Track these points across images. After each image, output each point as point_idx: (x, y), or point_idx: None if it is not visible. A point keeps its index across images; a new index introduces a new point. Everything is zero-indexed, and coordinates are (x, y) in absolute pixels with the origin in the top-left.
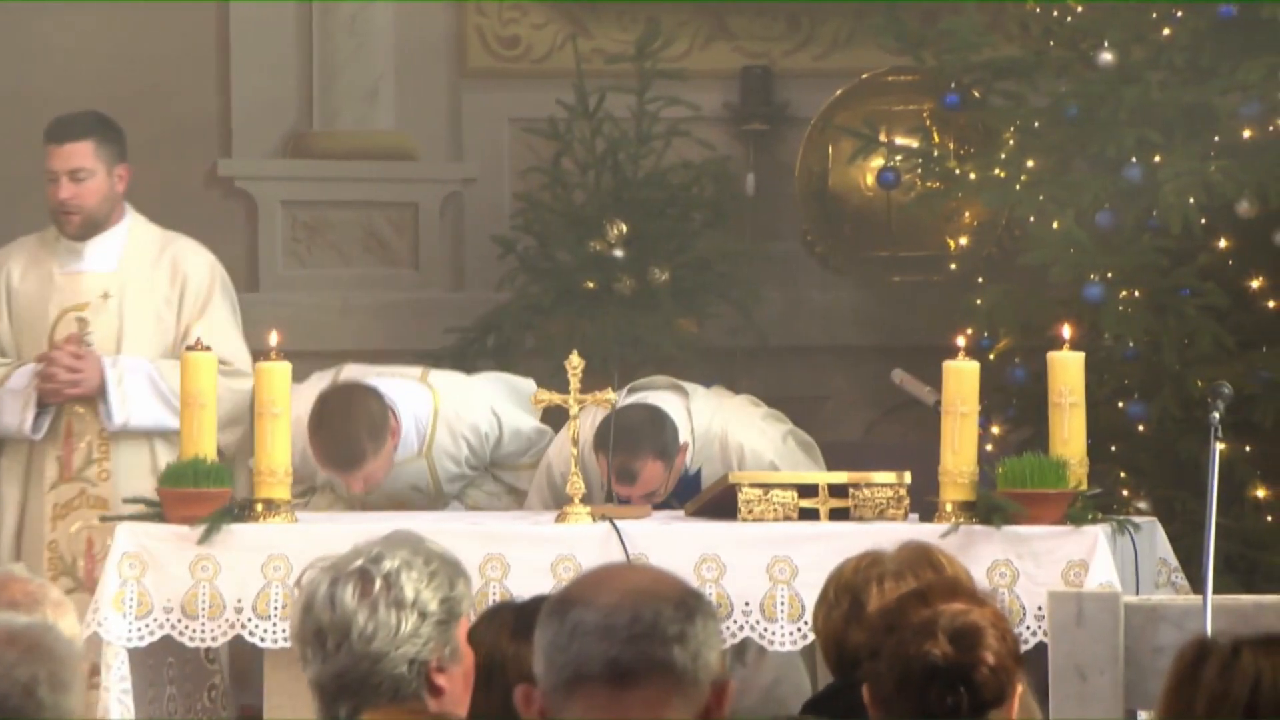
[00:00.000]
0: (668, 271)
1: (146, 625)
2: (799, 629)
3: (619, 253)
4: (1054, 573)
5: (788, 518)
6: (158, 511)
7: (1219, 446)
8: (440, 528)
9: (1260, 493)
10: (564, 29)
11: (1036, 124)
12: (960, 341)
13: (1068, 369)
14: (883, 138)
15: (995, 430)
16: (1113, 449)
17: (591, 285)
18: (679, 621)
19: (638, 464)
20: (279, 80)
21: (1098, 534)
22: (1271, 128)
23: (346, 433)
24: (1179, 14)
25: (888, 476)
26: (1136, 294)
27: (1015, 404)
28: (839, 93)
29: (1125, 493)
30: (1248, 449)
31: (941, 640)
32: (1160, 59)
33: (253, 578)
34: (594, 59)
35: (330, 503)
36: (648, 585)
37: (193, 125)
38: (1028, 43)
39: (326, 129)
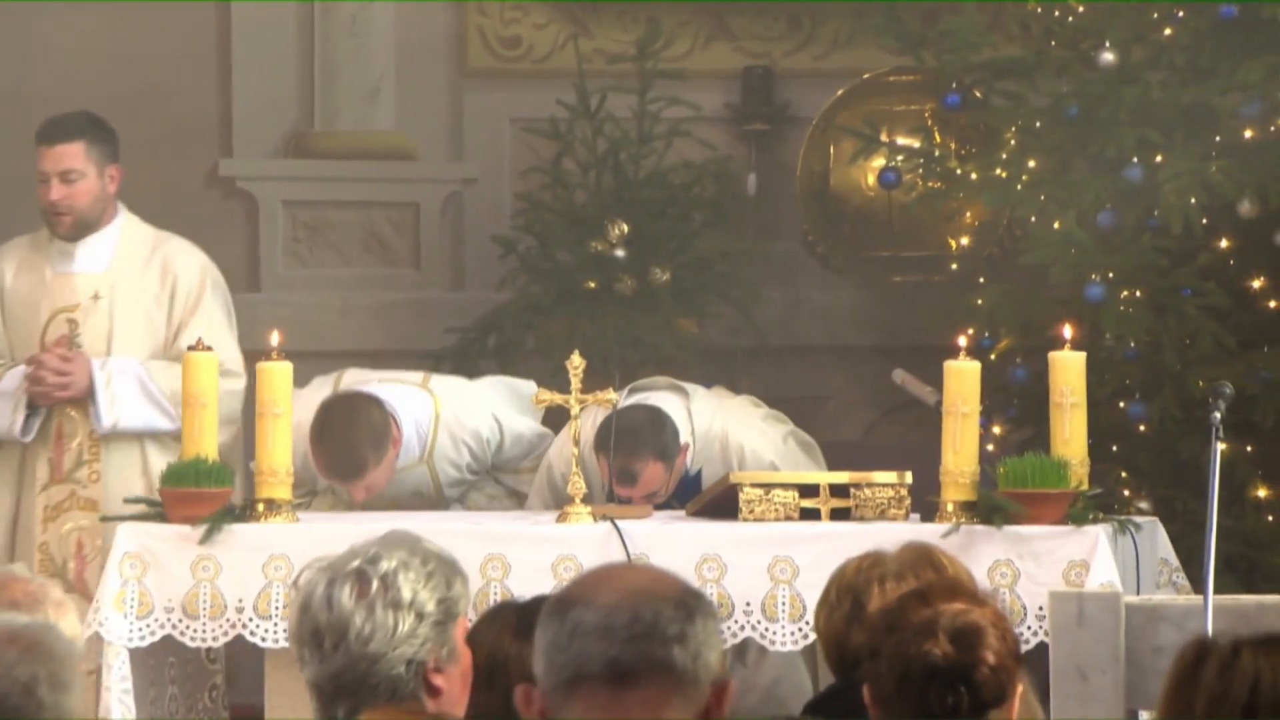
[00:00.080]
0: (668, 272)
1: (147, 625)
2: (800, 629)
3: (620, 253)
4: (1055, 573)
5: (789, 518)
6: (159, 511)
7: (1220, 446)
8: (441, 528)
9: (1261, 493)
10: (565, 29)
11: (1037, 124)
12: (961, 341)
13: (1069, 369)
14: (884, 138)
15: (996, 430)
16: (1114, 449)
17: (592, 285)
18: (679, 621)
19: (638, 465)
20: (280, 80)
21: (1099, 534)
22: (1272, 128)
23: (348, 443)
24: (1180, 14)
25: (889, 476)
26: (1137, 294)
27: (1016, 404)
28: (840, 93)
29: (1126, 493)
30: (1249, 449)
31: (942, 640)
32: (1161, 59)
33: (254, 578)
34: (595, 59)
35: (331, 505)
36: (648, 585)
37: (193, 125)
38: (1028, 43)
39: (327, 129)
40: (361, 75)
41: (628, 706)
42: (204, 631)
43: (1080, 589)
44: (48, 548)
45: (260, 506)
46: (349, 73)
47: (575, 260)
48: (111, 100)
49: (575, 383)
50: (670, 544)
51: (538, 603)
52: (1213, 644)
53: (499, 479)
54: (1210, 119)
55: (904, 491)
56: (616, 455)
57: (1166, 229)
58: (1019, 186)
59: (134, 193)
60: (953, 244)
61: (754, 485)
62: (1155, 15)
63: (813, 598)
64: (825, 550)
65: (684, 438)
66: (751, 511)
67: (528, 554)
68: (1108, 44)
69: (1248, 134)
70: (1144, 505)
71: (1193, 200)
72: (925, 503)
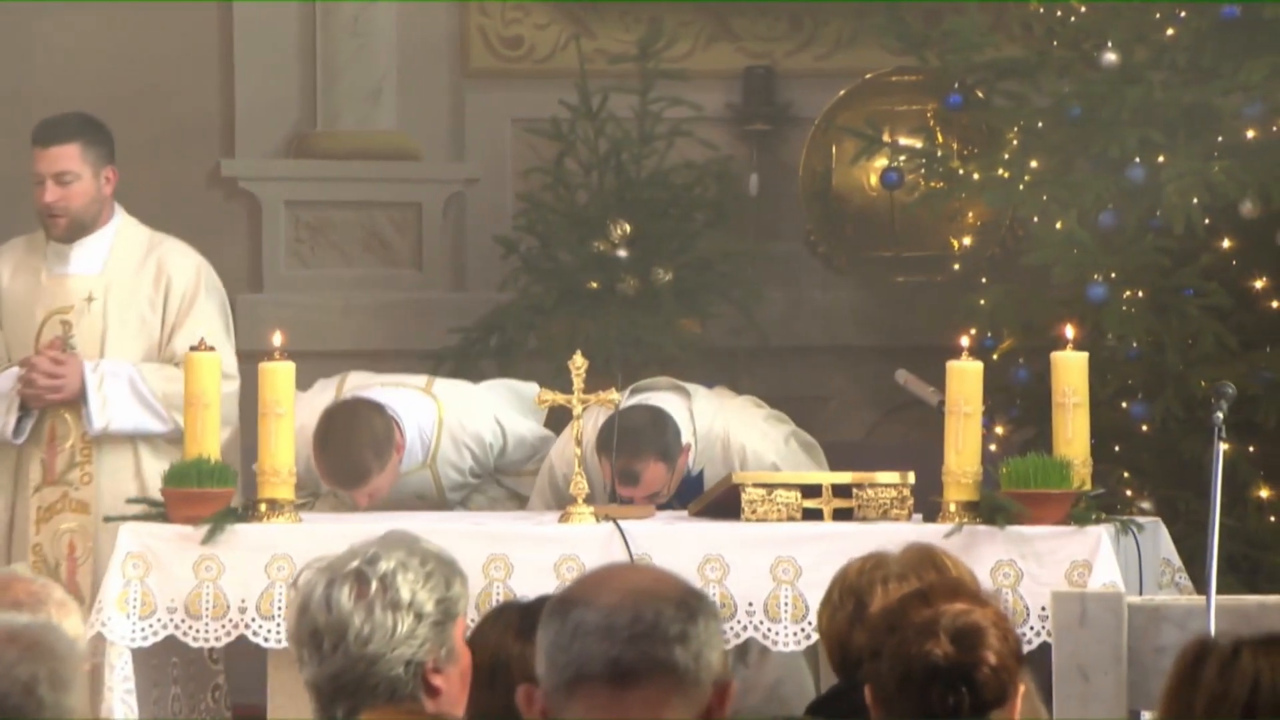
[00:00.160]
0: (670, 272)
1: (150, 625)
2: (802, 629)
3: (622, 253)
4: (1057, 573)
5: (791, 518)
6: (161, 512)
7: (1222, 447)
8: (444, 528)
9: (1263, 493)
10: (567, 29)
11: (1039, 124)
12: (964, 341)
13: (1071, 369)
14: (886, 138)
15: (999, 430)
16: (1116, 449)
17: (594, 285)
18: (680, 621)
19: (640, 465)
20: (282, 80)
21: (1101, 534)
22: (1275, 128)
23: (351, 451)
24: (1182, 14)
25: (891, 477)
26: (1139, 294)
27: (1018, 404)
28: (842, 93)
29: (1129, 493)
30: (1251, 449)
31: (943, 640)
32: (1163, 59)
33: (256, 578)
34: (597, 59)
35: (334, 507)
36: (649, 585)
37: (195, 125)
38: (1031, 43)
39: (329, 129)
40: (363, 75)
41: (629, 706)
42: (206, 631)
43: (1083, 589)
44: (41, 549)
45: (262, 506)
46: (351, 73)
47: (577, 260)
48: (113, 100)
49: (577, 383)
50: (673, 544)
51: (540, 603)
52: (1213, 644)
53: (501, 481)
54: (1212, 119)
55: (906, 492)
56: (618, 456)
57: (1169, 229)
58: (1021, 187)
59: (136, 193)
60: (955, 244)
61: (756, 485)
62: (1157, 15)
63: (815, 598)
64: (828, 550)
65: (686, 438)
66: (754, 512)
67: (530, 554)
68: (1110, 44)
69: (1250, 134)
70: (1146, 505)
71: (1195, 200)
72: (928, 503)
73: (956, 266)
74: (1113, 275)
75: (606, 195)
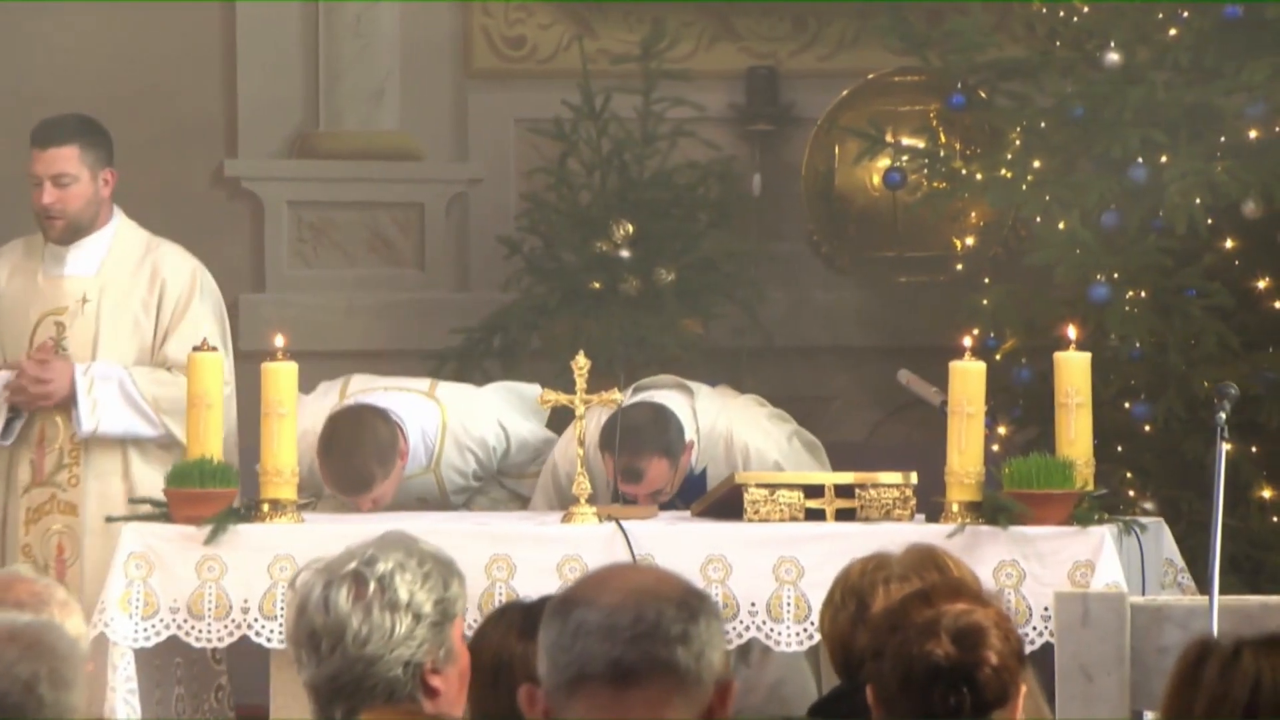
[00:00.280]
0: (673, 272)
1: (153, 626)
2: (805, 629)
3: (625, 253)
4: (1060, 573)
5: (794, 518)
6: (164, 512)
7: (1225, 447)
8: (447, 528)
9: (1266, 493)
10: (569, 29)
11: (1042, 124)
12: (966, 342)
13: (1074, 369)
14: (888, 138)
15: (1001, 431)
16: (1119, 449)
17: (597, 286)
18: (682, 621)
19: (643, 463)
20: (284, 80)
21: (1104, 534)
22: (1277, 128)
23: (355, 458)
24: (1184, 14)
25: (894, 477)
26: (1142, 294)
27: (1021, 404)
28: (845, 93)
29: (1131, 493)
30: (1253, 450)
31: (944, 640)
32: (1166, 59)
33: (259, 578)
34: (599, 59)
35: (336, 508)
36: (651, 585)
37: (198, 126)
38: (1033, 43)
39: (332, 129)
40: (366, 75)
41: (630, 706)
42: (209, 632)
43: (1085, 589)
44: (30, 550)
45: (265, 507)
46: (354, 73)
47: (580, 260)
48: (116, 100)
49: (580, 383)
50: (675, 544)
51: (543, 603)
52: (1214, 644)
53: (503, 483)
54: (1215, 119)
55: (909, 492)
56: (621, 453)
57: (1171, 229)
58: (1024, 187)
59: (138, 194)
60: (957, 244)
61: (759, 486)
62: (1160, 16)
63: (818, 598)
64: (830, 551)
65: (689, 436)
66: (756, 512)
67: (533, 554)
68: (1112, 44)
69: (1252, 134)
70: (1149, 506)
71: (1197, 201)
72: (930, 503)
73: (959, 266)
74: (1115, 275)
75: (609, 195)
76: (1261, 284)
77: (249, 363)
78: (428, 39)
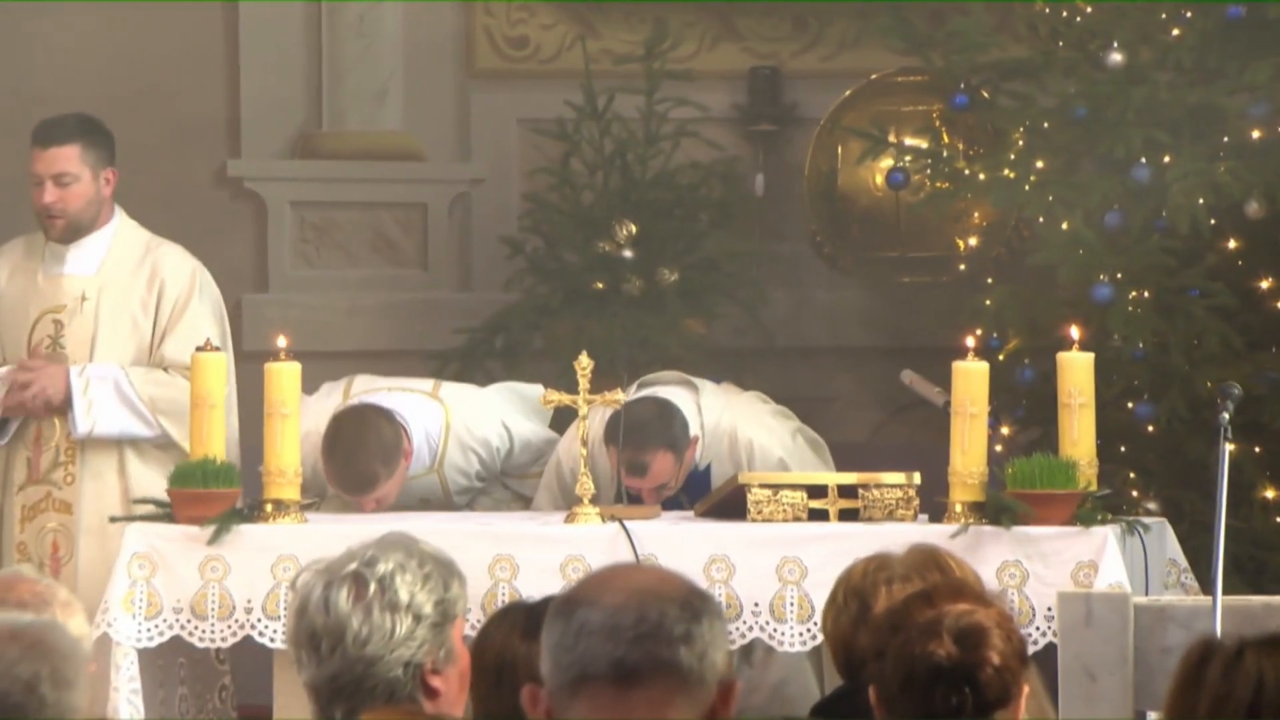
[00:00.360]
0: (676, 272)
1: (156, 626)
2: (808, 630)
3: (627, 253)
4: (1063, 573)
5: (797, 518)
6: (167, 512)
7: (1228, 447)
8: (450, 528)
9: (1269, 494)
10: (572, 29)
11: (1045, 124)
12: (969, 342)
13: (1077, 370)
14: (891, 138)
15: (1004, 431)
16: (1122, 450)
17: (599, 286)
18: (685, 622)
19: (648, 456)
20: (287, 81)
21: (1107, 535)
22: None
23: (359, 458)
24: (1187, 14)
25: (897, 477)
26: (1145, 295)
27: (1024, 405)
28: (847, 93)
29: (1134, 493)
30: (1256, 450)
31: (946, 640)
32: (1168, 59)
33: (262, 578)
34: (602, 60)
35: (339, 508)
36: (653, 585)
37: (201, 126)
38: (1036, 43)
39: (335, 129)
40: (369, 76)
41: (633, 707)
42: (212, 632)
43: (1088, 590)
44: (25, 548)
45: (268, 507)
46: (356, 73)
47: (582, 261)
48: (118, 101)
49: (583, 383)
50: (678, 545)
51: (547, 603)
52: (1217, 645)
53: (506, 484)
54: (1218, 119)
55: (912, 492)
56: (626, 446)
57: (1174, 229)
58: (1026, 187)
59: (141, 194)
60: (960, 244)
61: (762, 486)
62: (1163, 16)
63: (821, 598)
64: (834, 551)
65: (693, 431)
66: (760, 512)
67: (536, 555)
68: (1115, 44)
69: (1255, 134)
70: (1152, 506)
71: (1200, 201)
72: (933, 503)
73: (962, 267)
74: (1118, 276)
75: (612, 196)
76: (1264, 284)
77: (252, 363)
78: (430, 39)
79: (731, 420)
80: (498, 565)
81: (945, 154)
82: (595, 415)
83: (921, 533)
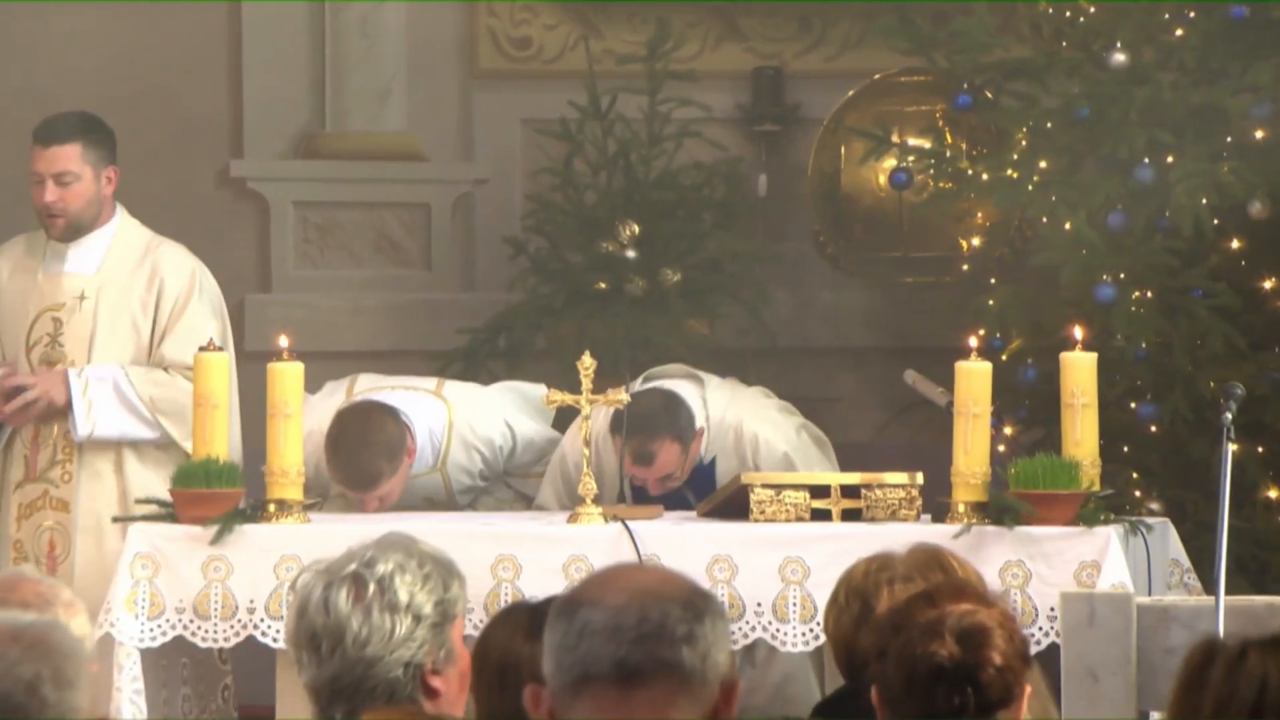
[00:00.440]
0: (679, 272)
1: (159, 626)
2: (811, 630)
3: (630, 254)
4: (1066, 573)
5: (800, 518)
6: (170, 512)
7: (1231, 447)
8: (452, 528)
9: (1271, 494)
10: (575, 30)
11: (1048, 125)
12: (972, 342)
13: (1080, 370)
14: (894, 138)
15: (1007, 431)
16: (1125, 450)
17: (602, 286)
18: (687, 622)
19: (655, 445)
20: (290, 81)
21: (1110, 535)
22: None
23: (363, 454)
24: (1190, 15)
25: (900, 477)
26: (1148, 295)
27: (1027, 405)
28: (850, 94)
29: (1137, 494)
30: (1259, 450)
31: (948, 641)
32: (1172, 60)
33: (265, 578)
34: (605, 60)
35: (342, 508)
36: (656, 586)
37: (204, 126)
38: (1039, 44)
39: (338, 130)
40: (372, 76)
41: (635, 707)
42: (215, 632)
43: (1091, 590)
44: (22, 546)
45: (271, 507)
46: (359, 74)
47: (585, 261)
48: (121, 101)
49: (586, 383)
50: (681, 545)
51: (549, 603)
52: (1220, 645)
53: (509, 483)
54: (1221, 120)
55: (915, 492)
56: (633, 436)
57: (1177, 230)
58: (1030, 187)
59: (144, 194)
60: (963, 245)
61: (765, 486)
62: (1166, 16)
63: (824, 599)
64: (836, 551)
65: (699, 423)
66: (763, 512)
67: (539, 554)
68: (1118, 45)
69: (1258, 135)
70: (1155, 506)
71: (1203, 201)
72: (936, 504)
73: (965, 267)
74: (1121, 276)
75: (615, 196)
76: (1267, 284)
77: (255, 363)
78: (433, 39)
79: (737, 414)
80: (500, 565)
81: (948, 154)
82: (599, 413)
83: (924, 533)
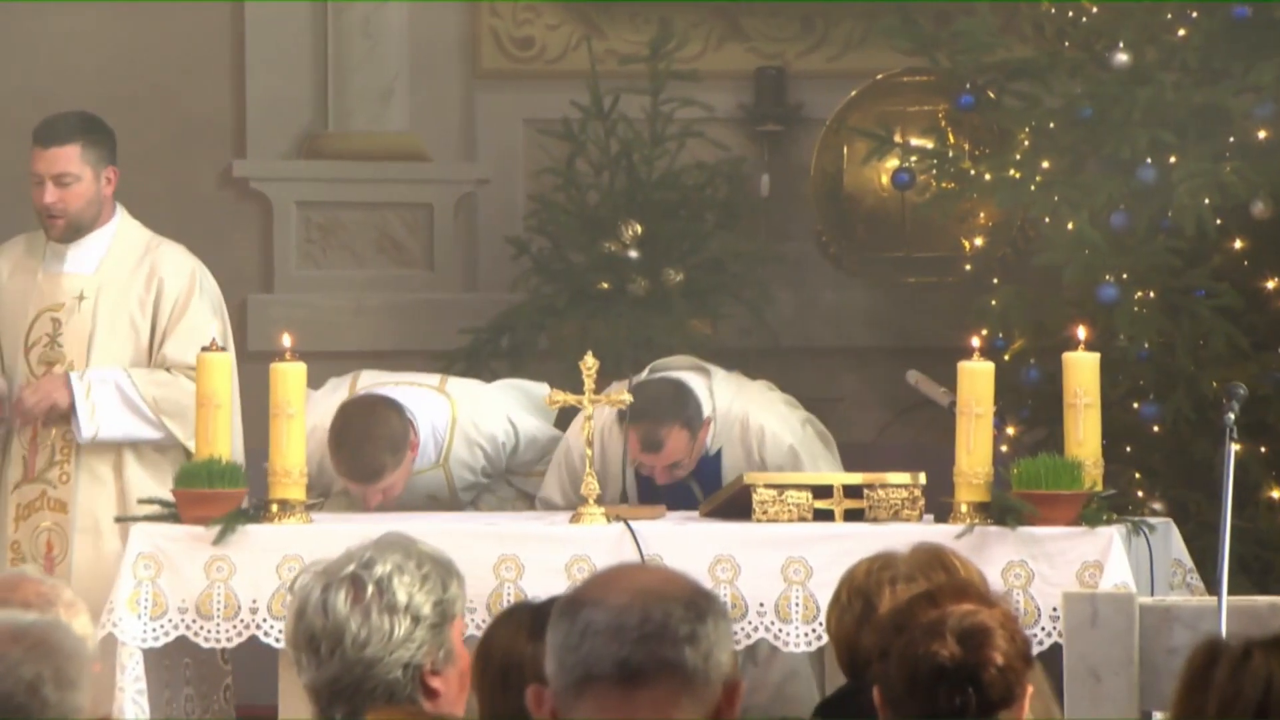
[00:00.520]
0: (681, 272)
1: (161, 626)
2: (813, 630)
3: (632, 254)
4: (1068, 574)
5: (802, 518)
6: (172, 512)
7: (1233, 447)
8: (455, 528)
9: (1275, 494)
10: (578, 30)
11: (1051, 125)
12: (975, 342)
13: (1082, 370)
14: (897, 138)
15: (1010, 431)
16: (1127, 450)
17: (605, 286)
18: (690, 622)
19: (663, 432)
20: (293, 81)
21: (1112, 535)
22: None
23: (367, 447)
24: (1193, 15)
25: (902, 477)
26: (1150, 295)
27: (1030, 405)
28: (853, 94)
29: (1140, 494)
30: (1262, 450)
31: (949, 641)
32: (1174, 60)
33: (267, 578)
34: (608, 60)
35: (344, 507)
36: (658, 585)
37: (207, 126)
38: (1042, 44)
39: (340, 130)
40: (374, 76)
41: (638, 707)
42: (218, 632)
43: (1094, 590)
44: (19, 546)
45: (274, 507)
46: (362, 74)
47: (588, 261)
48: (124, 101)
49: (588, 383)
50: (683, 545)
51: (552, 604)
52: (1224, 645)
53: (511, 482)
54: (1223, 120)
55: (918, 492)
56: (641, 422)
57: (1180, 230)
58: (1032, 187)
59: (146, 194)
60: (966, 245)
61: (767, 486)
62: (1168, 16)
63: (826, 599)
64: (839, 551)
65: (706, 412)
66: (765, 512)
67: (541, 554)
68: (1121, 45)
69: (1261, 135)
70: (1158, 506)
71: (1206, 201)
72: (939, 504)
73: (968, 267)
74: (1124, 276)
75: (617, 196)
76: (1270, 284)
77: (257, 363)
78: (436, 39)
79: (743, 406)
80: (503, 565)
81: (951, 154)
82: (600, 415)
83: (926, 533)
